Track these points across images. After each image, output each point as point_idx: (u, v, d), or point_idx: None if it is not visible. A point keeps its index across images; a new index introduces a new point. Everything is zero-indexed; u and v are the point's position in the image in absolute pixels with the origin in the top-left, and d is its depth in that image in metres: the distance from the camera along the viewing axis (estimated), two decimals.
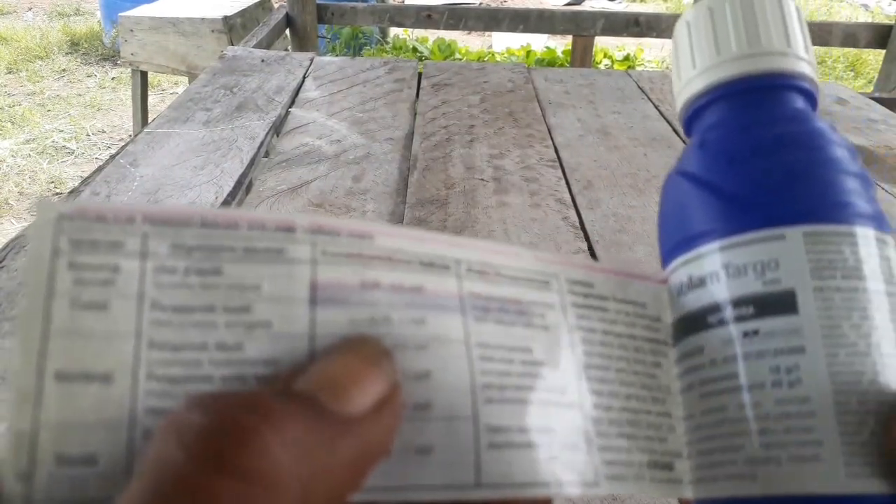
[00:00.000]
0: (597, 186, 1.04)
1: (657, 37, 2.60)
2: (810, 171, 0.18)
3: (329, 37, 3.93)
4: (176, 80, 3.80)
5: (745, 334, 0.17)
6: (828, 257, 0.17)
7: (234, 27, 2.28)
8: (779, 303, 0.17)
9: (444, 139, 1.19)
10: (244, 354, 0.14)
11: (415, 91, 1.41)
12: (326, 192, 0.99)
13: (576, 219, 0.94)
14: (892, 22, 2.44)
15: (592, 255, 0.86)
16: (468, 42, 4.57)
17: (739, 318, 0.17)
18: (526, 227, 0.91)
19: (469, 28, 2.69)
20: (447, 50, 3.92)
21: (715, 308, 0.18)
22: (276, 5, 2.68)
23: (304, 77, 1.45)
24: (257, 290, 0.15)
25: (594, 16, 2.59)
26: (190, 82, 2.00)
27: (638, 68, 3.65)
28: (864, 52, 4.35)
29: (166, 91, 3.88)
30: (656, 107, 1.38)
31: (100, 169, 1.02)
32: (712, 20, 0.20)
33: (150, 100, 2.84)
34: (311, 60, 1.56)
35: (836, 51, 4.53)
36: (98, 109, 3.64)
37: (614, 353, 0.18)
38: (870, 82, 4.21)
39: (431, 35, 4.14)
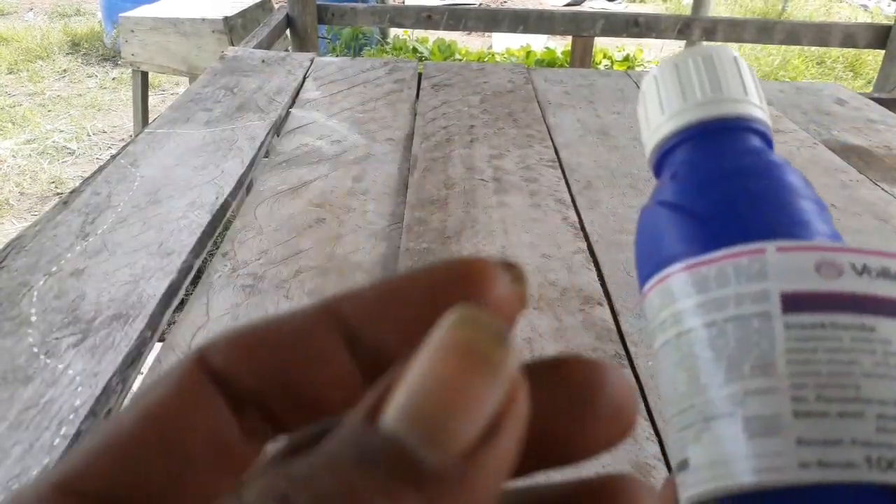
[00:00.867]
0: (596, 186, 1.05)
1: (657, 37, 2.60)
2: (775, 194, 0.20)
3: (329, 37, 3.94)
4: (176, 80, 3.81)
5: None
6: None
7: (234, 28, 2.28)
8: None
9: (444, 139, 1.19)
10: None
11: (415, 91, 1.42)
12: (326, 192, 0.99)
13: (575, 219, 0.94)
14: (892, 22, 2.44)
15: (592, 254, 0.86)
16: (468, 42, 4.58)
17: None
18: (526, 227, 0.91)
19: (469, 28, 2.69)
20: (447, 50, 3.93)
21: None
22: (276, 6, 2.68)
23: (304, 77, 1.45)
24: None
25: (594, 16, 2.59)
26: (190, 83, 2.01)
27: (638, 69, 3.65)
28: (863, 53, 4.35)
29: (167, 91, 3.89)
30: None
31: (100, 169, 1.03)
32: (678, 74, 0.23)
33: (151, 100, 2.85)
34: (312, 61, 1.56)
35: (836, 51, 4.53)
36: (99, 110, 3.64)
37: None
38: (869, 83, 4.22)
39: (431, 35, 4.15)
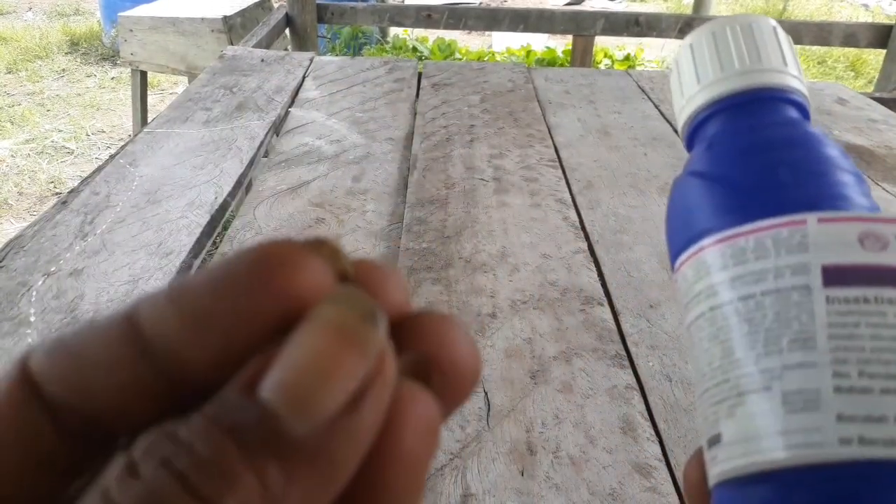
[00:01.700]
0: (597, 186, 1.04)
1: (657, 36, 2.60)
2: (815, 165, 0.20)
3: (329, 36, 3.93)
4: (175, 79, 3.80)
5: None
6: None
7: (233, 27, 2.28)
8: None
9: (444, 139, 1.18)
10: None
11: (415, 91, 1.41)
12: (326, 191, 0.98)
13: (576, 218, 0.94)
14: (893, 22, 2.44)
15: (592, 254, 0.86)
16: (468, 42, 4.57)
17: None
18: (526, 226, 0.91)
19: (469, 28, 2.69)
20: (447, 50, 3.92)
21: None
22: (275, 5, 2.68)
23: (303, 77, 1.45)
24: None
25: (594, 16, 2.59)
26: (189, 82, 2.00)
27: (638, 68, 3.65)
28: (864, 52, 4.35)
29: (166, 91, 3.88)
30: (656, 107, 1.37)
31: (99, 169, 1.02)
32: (715, 42, 0.23)
33: (150, 100, 2.84)
34: (311, 60, 1.55)
35: (837, 51, 4.53)
36: (98, 109, 3.64)
37: None
38: (870, 82, 4.21)
39: (431, 35, 4.14)
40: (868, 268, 0.17)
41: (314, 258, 0.12)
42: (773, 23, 0.23)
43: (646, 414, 0.62)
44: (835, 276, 0.17)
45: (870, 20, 4.83)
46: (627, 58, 3.89)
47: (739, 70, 0.22)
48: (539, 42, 4.00)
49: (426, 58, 3.80)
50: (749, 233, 0.19)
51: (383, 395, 0.11)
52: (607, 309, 0.76)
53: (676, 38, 2.56)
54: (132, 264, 0.78)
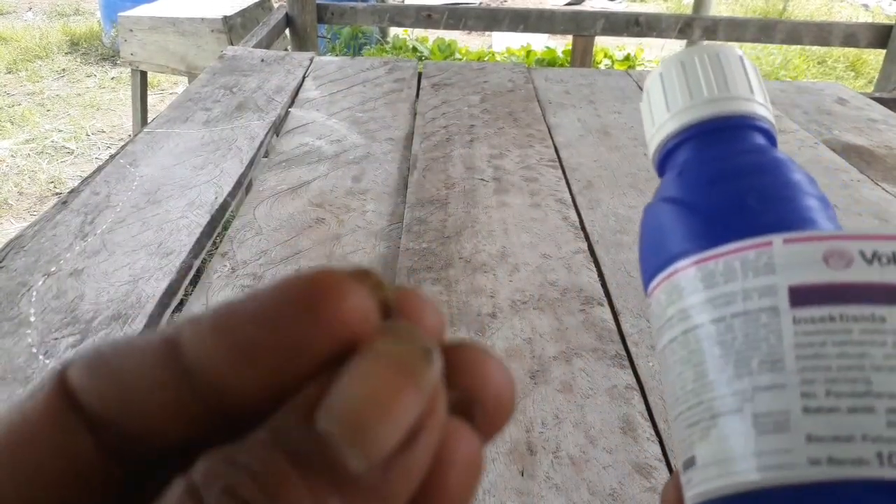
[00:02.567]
0: (597, 186, 1.04)
1: (657, 37, 2.60)
2: (781, 190, 0.20)
3: (329, 37, 3.93)
4: (175, 80, 3.80)
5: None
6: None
7: (233, 27, 2.28)
8: None
9: (444, 139, 1.18)
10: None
11: (415, 91, 1.41)
12: (326, 191, 0.98)
13: (576, 219, 0.94)
14: (893, 22, 2.44)
15: (592, 254, 0.86)
16: (468, 42, 4.57)
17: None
18: (526, 226, 0.91)
19: (469, 28, 2.69)
20: (447, 50, 3.92)
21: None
22: (276, 5, 2.68)
23: (303, 77, 1.45)
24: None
25: (594, 16, 2.59)
26: (189, 82, 2.00)
27: (638, 68, 3.65)
28: (864, 52, 4.35)
29: (166, 91, 3.88)
30: None
31: (99, 169, 1.02)
32: (684, 71, 0.23)
33: (150, 100, 2.84)
34: (311, 60, 1.55)
35: (837, 51, 4.53)
36: (98, 109, 3.64)
37: None
38: (870, 82, 4.21)
39: (431, 35, 4.14)
40: (833, 286, 0.17)
41: (360, 288, 0.12)
42: (740, 52, 0.24)
43: (646, 414, 0.62)
44: (801, 296, 0.18)
45: (870, 20, 4.83)
46: (627, 58, 3.89)
47: (708, 98, 0.23)
48: (539, 42, 4.00)
49: (426, 58, 3.80)
50: (718, 256, 0.19)
51: (436, 432, 0.12)
52: (607, 309, 0.76)
53: (676, 38, 2.56)
54: (132, 264, 0.78)
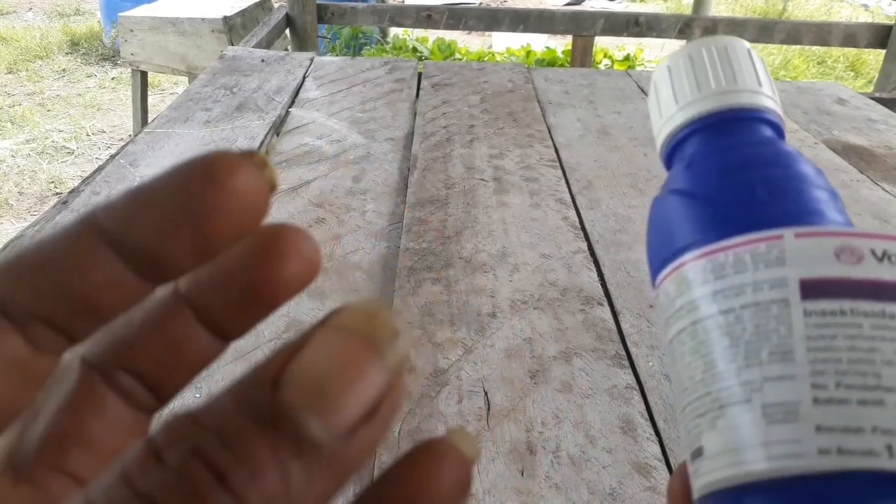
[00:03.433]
0: (597, 186, 1.04)
1: (657, 37, 2.60)
2: (791, 182, 0.21)
3: (329, 37, 3.93)
4: (176, 80, 3.80)
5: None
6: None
7: (233, 27, 2.28)
8: None
9: (444, 139, 1.18)
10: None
11: (415, 91, 1.41)
12: (326, 191, 0.99)
13: (576, 219, 0.94)
14: (892, 22, 2.44)
15: (592, 254, 0.86)
16: (468, 42, 4.57)
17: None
18: (526, 226, 0.91)
19: (469, 28, 2.69)
20: (447, 50, 3.92)
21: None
22: (276, 5, 2.68)
23: (303, 77, 1.45)
24: None
25: (594, 16, 2.59)
26: (190, 82, 2.00)
27: (638, 68, 3.65)
28: (864, 52, 4.35)
29: (166, 91, 3.88)
30: None
31: (100, 169, 1.02)
32: (692, 64, 0.23)
33: (150, 100, 2.84)
34: (311, 60, 1.56)
35: (836, 51, 4.53)
36: (98, 109, 3.64)
37: None
38: (870, 82, 4.21)
39: (431, 35, 4.14)
40: (844, 281, 0.18)
41: (251, 164, 0.13)
42: (747, 45, 0.24)
43: (646, 414, 0.62)
44: (812, 289, 0.18)
45: (870, 20, 4.83)
46: (627, 58, 3.89)
47: (716, 90, 0.23)
48: (539, 42, 4.01)
49: (426, 58, 3.80)
50: (728, 248, 0.19)
51: (397, 406, 0.12)
52: (607, 309, 0.76)
53: (676, 38, 2.56)
54: None
